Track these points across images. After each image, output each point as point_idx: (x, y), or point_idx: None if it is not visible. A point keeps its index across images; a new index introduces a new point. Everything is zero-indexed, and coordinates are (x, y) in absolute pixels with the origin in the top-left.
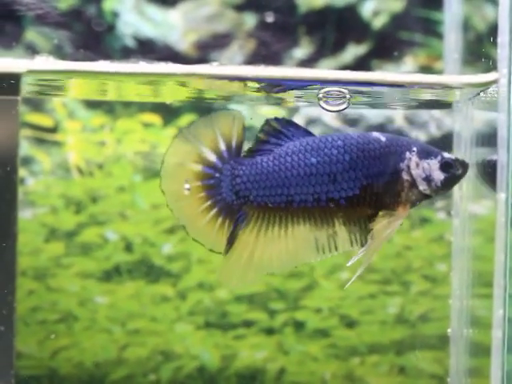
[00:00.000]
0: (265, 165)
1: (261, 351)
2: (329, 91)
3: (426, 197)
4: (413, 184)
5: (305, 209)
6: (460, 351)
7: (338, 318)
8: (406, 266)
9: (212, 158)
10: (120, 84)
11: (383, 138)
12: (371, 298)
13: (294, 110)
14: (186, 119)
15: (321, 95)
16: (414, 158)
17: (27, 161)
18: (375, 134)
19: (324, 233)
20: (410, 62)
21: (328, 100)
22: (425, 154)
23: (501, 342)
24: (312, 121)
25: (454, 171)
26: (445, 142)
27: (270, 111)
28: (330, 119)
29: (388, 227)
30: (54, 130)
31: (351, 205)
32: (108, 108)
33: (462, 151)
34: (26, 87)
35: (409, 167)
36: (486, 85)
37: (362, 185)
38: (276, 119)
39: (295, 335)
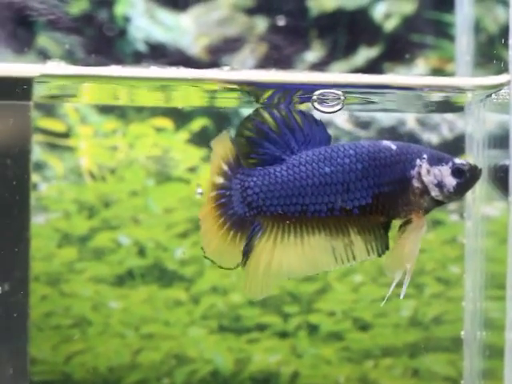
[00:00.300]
0: (278, 175)
1: (274, 355)
2: (323, 93)
3: (439, 203)
4: (424, 191)
5: (319, 218)
6: (473, 353)
7: (352, 321)
8: (419, 268)
9: (220, 180)
10: (132, 89)
11: (394, 147)
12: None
13: None
14: (197, 123)
15: (315, 97)
16: (425, 165)
17: (40, 166)
18: (386, 143)
19: (340, 242)
20: (421, 65)
21: (323, 102)
22: (435, 160)
23: None
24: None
25: (466, 177)
26: (457, 144)
27: None
28: (342, 122)
29: (413, 243)
30: (66, 135)
31: (364, 213)
32: (120, 113)
33: (475, 153)
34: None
35: (420, 174)
36: (497, 87)
37: (374, 193)
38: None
39: (309, 338)
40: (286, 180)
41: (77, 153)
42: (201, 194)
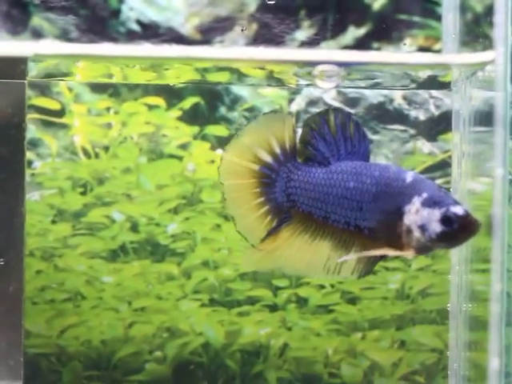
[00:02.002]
0: (316, 176)
1: (265, 327)
2: (323, 69)
3: (428, 247)
4: (410, 230)
5: (337, 229)
6: (459, 325)
7: (340, 294)
8: None
9: (268, 159)
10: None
11: (409, 179)
12: (372, 274)
13: (297, 91)
14: (189, 101)
15: (316, 73)
16: (417, 204)
17: (34, 144)
18: (408, 174)
19: (337, 255)
20: (409, 44)
21: (323, 78)
22: (430, 202)
23: (498, 316)
24: (313, 101)
25: (453, 227)
26: (444, 121)
27: (273, 93)
28: (332, 99)
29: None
30: (60, 113)
31: (372, 236)
32: (113, 91)
33: (461, 130)
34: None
35: (410, 212)
36: (483, 64)
37: (378, 219)
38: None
39: (298, 311)
40: (319, 183)
41: (71, 131)
42: (193, 170)
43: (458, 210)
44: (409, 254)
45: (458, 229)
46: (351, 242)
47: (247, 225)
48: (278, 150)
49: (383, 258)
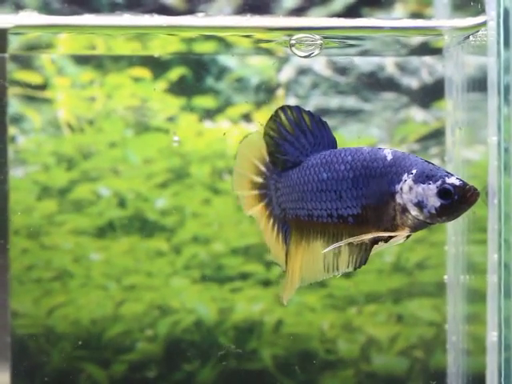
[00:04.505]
0: (292, 177)
1: (258, 303)
2: (300, 37)
3: (426, 223)
4: (405, 209)
5: (322, 224)
6: (457, 298)
7: None
8: None
9: (259, 179)
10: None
11: (390, 157)
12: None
13: (285, 60)
14: (175, 72)
15: (293, 41)
16: (409, 182)
17: (17, 119)
18: (384, 152)
19: (331, 251)
20: (400, 9)
21: (300, 46)
22: (423, 177)
23: (496, 287)
24: (303, 70)
25: (453, 199)
26: (437, 88)
27: (261, 62)
28: (322, 68)
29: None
30: (43, 87)
31: (358, 224)
32: (97, 63)
33: (454, 97)
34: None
35: (402, 190)
36: (474, 28)
37: (362, 204)
38: (309, 113)
39: None
40: (294, 183)
41: (54, 105)
42: (177, 141)
43: (454, 180)
44: (403, 233)
45: (457, 200)
46: (339, 234)
47: (274, 250)
48: (263, 169)
49: (376, 243)
